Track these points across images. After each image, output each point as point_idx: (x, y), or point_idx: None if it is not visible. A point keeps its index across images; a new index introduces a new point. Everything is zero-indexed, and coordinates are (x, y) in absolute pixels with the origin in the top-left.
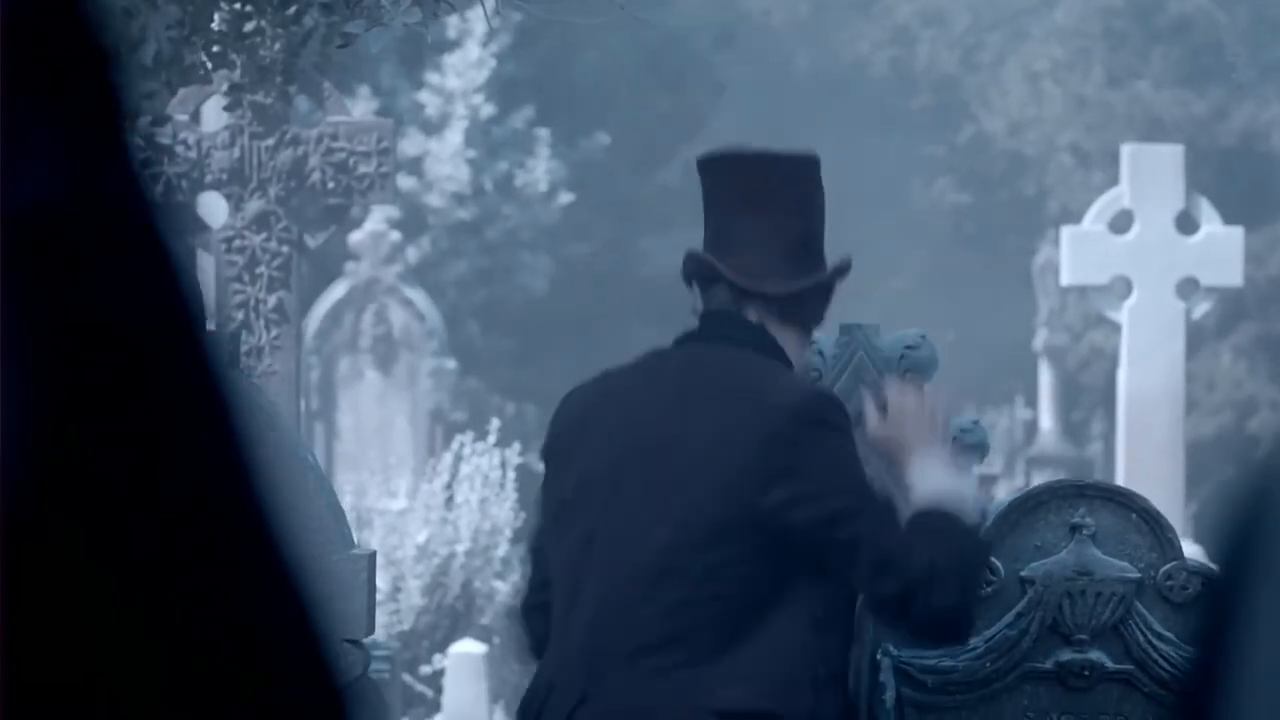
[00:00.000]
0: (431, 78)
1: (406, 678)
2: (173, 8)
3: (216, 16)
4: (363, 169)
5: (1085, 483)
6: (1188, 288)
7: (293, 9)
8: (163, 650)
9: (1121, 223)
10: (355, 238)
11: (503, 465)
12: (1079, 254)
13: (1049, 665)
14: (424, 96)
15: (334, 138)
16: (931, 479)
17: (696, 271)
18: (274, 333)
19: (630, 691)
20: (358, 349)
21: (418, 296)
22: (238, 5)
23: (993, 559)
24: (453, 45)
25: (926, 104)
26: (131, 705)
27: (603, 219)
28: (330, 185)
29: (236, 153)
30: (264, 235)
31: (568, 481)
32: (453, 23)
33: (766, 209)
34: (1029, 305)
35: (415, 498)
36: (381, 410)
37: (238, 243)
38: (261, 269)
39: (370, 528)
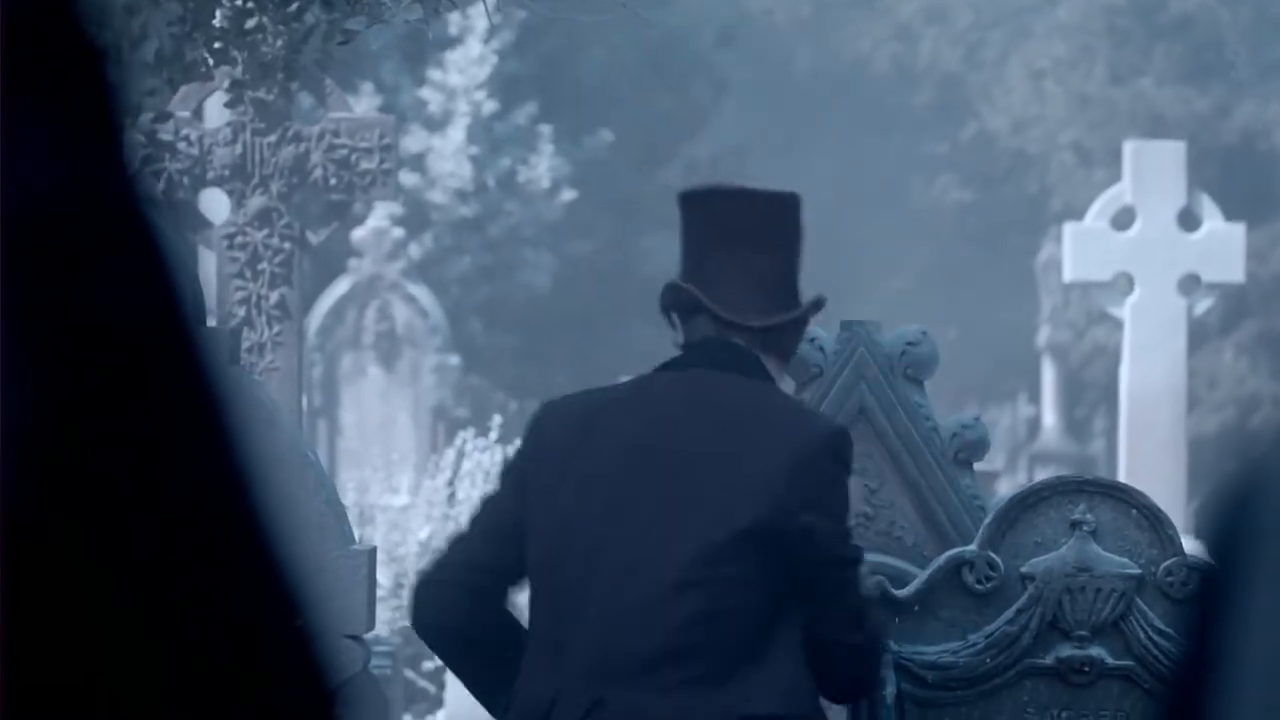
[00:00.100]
0: (434, 74)
1: (409, 673)
2: (174, 4)
3: (218, 13)
4: (365, 165)
5: (1085, 479)
6: (1190, 284)
7: (294, 6)
8: (160, 649)
9: (1123, 219)
10: (358, 234)
11: (505, 462)
12: (1081, 250)
13: (1049, 661)
14: (426, 93)
15: (336, 134)
16: None
17: (676, 302)
18: (276, 329)
19: (648, 701)
20: (360, 345)
21: (421, 293)
22: (239, 2)
23: (993, 555)
24: (455, 42)
25: (929, 102)
26: (130, 704)
27: (605, 216)
28: (332, 182)
29: (238, 149)
30: (266, 231)
31: (565, 491)
32: (454, 19)
33: (747, 245)
34: (1032, 302)
35: (418, 494)
36: (384, 407)
37: (240, 239)
38: (263, 265)
39: (373, 524)
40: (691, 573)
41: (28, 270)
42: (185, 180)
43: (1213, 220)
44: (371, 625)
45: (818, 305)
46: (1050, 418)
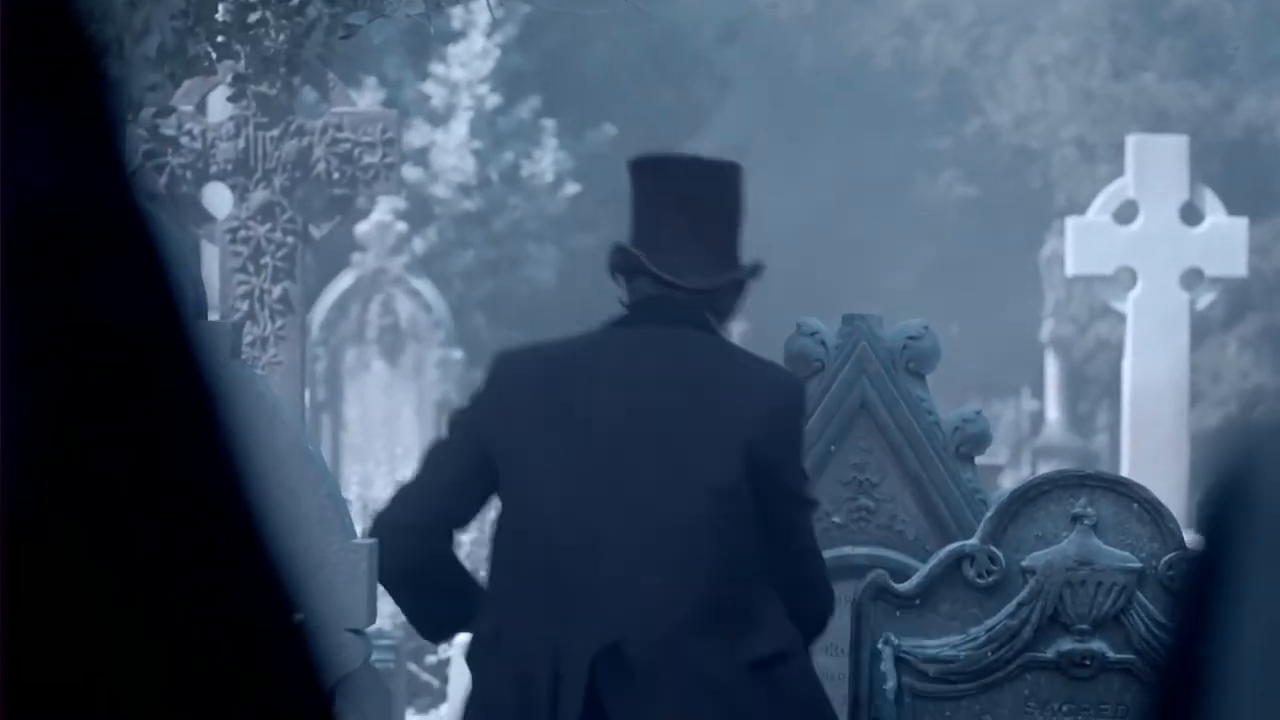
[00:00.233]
0: (437, 68)
1: (412, 667)
2: None
3: (220, 8)
4: (367, 159)
5: (1086, 473)
6: (1192, 279)
7: (296, 0)
8: (160, 648)
9: (1126, 213)
10: (362, 228)
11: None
12: (1084, 245)
13: (1050, 655)
14: (429, 87)
15: (339, 128)
16: None
17: (622, 264)
18: (279, 323)
19: (659, 646)
20: (364, 340)
21: (424, 287)
22: None
23: (994, 549)
24: (458, 36)
25: (932, 97)
26: (130, 704)
27: (608, 211)
28: (335, 176)
29: (241, 143)
30: (269, 226)
31: (544, 443)
32: (457, 13)
33: (689, 211)
34: (1035, 297)
35: None
36: (388, 401)
37: (243, 233)
38: (266, 259)
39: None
40: (690, 519)
41: (28, 270)
42: (188, 174)
43: (1215, 215)
44: (373, 619)
45: (756, 269)
46: (1053, 412)
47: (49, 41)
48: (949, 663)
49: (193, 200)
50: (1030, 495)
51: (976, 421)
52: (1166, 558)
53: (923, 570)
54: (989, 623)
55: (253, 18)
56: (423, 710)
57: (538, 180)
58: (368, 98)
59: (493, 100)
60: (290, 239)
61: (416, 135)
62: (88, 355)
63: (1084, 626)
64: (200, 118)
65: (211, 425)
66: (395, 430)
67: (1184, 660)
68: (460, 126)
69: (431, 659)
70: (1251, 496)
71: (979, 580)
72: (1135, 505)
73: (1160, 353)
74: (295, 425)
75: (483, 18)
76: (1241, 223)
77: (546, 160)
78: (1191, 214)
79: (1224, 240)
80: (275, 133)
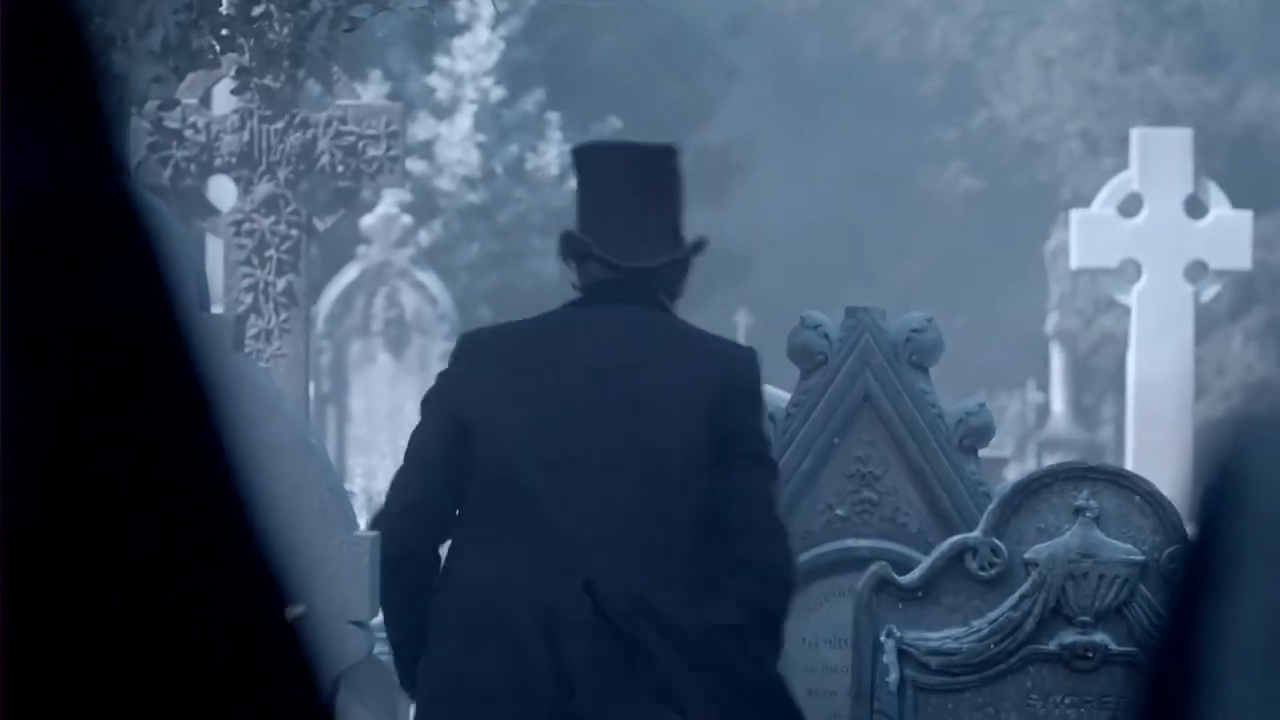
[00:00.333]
0: (442, 61)
1: None
2: None
3: (224, 1)
4: (372, 152)
5: (1089, 465)
6: (1197, 271)
7: None
8: (160, 647)
9: (1131, 206)
10: (367, 221)
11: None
12: (1088, 237)
13: (1053, 647)
14: (434, 80)
15: (343, 121)
16: None
17: (571, 250)
18: (283, 316)
19: (638, 599)
20: (369, 332)
21: (429, 280)
22: None
23: (996, 541)
24: (463, 28)
25: (938, 90)
26: (130, 703)
27: None
28: (339, 169)
29: (245, 136)
30: (273, 218)
31: (518, 410)
32: (462, 6)
33: (632, 195)
34: (1040, 290)
35: None
36: (393, 394)
37: (247, 226)
38: (270, 252)
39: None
40: (656, 477)
41: (28, 270)
42: (192, 167)
43: (1220, 208)
44: (376, 611)
45: (699, 246)
46: (1059, 405)
47: (49, 41)
48: (951, 655)
49: (197, 193)
50: (1033, 488)
51: (979, 414)
52: (1169, 550)
53: (925, 563)
54: (991, 615)
55: (257, 11)
56: None
57: (542, 173)
58: (372, 91)
59: (497, 93)
60: (294, 232)
61: (421, 128)
62: (88, 355)
63: (1086, 619)
64: (204, 111)
65: (211, 425)
66: (400, 423)
67: (1178, 653)
68: (465, 119)
69: None
70: (1245, 488)
71: (981, 573)
72: (1137, 498)
73: (1165, 345)
74: (297, 419)
75: (487, 10)
76: (1246, 216)
77: (551, 153)
78: (1196, 207)
79: (1228, 233)
80: (279, 126)
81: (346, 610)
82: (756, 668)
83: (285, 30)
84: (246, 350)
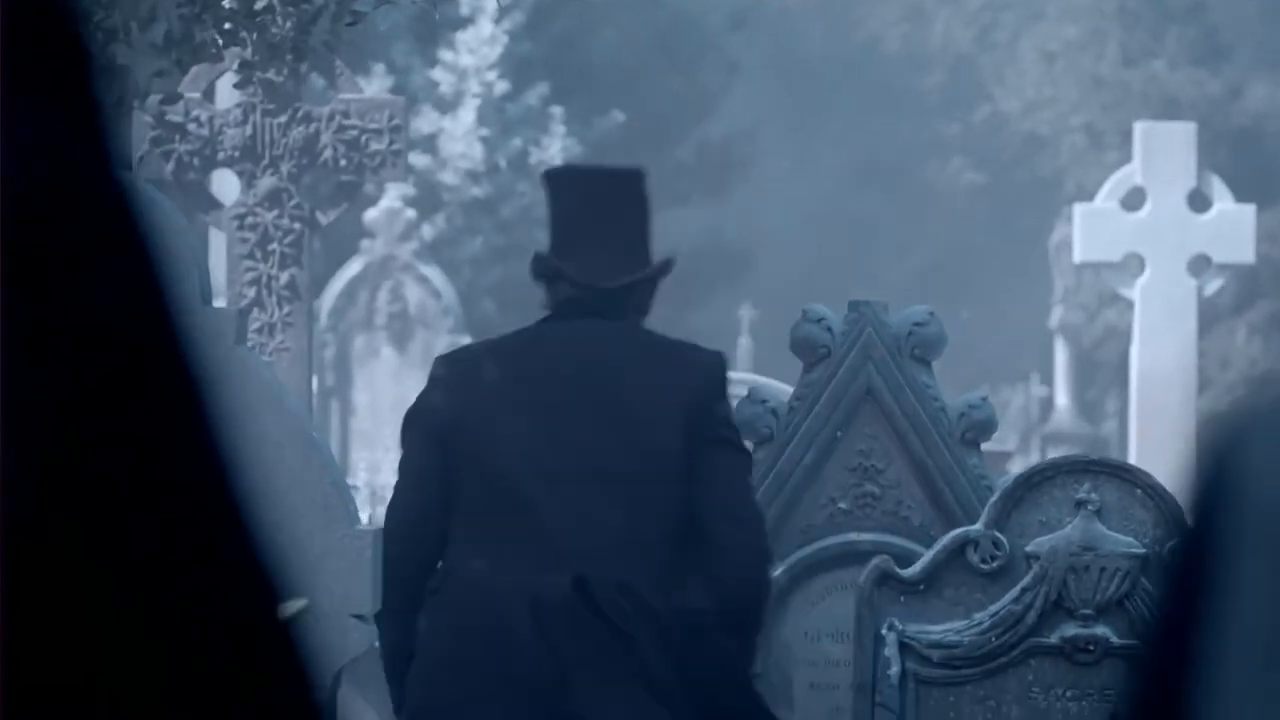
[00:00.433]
0: (445, 55)
1: None
2: None
3: None
4: (374, 146)
5: (1090, 458)
6: (1200, 265)
7: None
8: (160, 647)
9: (1134, 200)
10: (370, 215)
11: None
12: (1091, 231)
13: (1054, 640)
14: (437, 74)
15: (346, 115)
16: None
17: (543, 271)
18: (286, 310)
19: (624, 588)
20: (373, 326)
21: (433, 274)
22: None
23: (998, 534)
24: (466, 22)
25: (941, 84)
26: (130, 703)
27: None
28: (342, 162)
29: (249, 130)
30: (276, 212)
31: (505, 422)
32: (465, 0)
33: (600, 216)
34: (1044, 284)
35: None
36: (397, 387)
37: (250, 220)
38: (273, 246)
39: (384, 504)
40: (637, 475)
41: (28, 270)
42: (195, 161)
43: (1223, 201)
44: (378, 605)
45: (667, 266)
46: (1063, 398)
47: (48, 39)
48: (953, 648)
49: (200, 187)
50: (1034, 481)
51: (982, 408)
52: (1170, 543)
53: (927, 556)
54: (993, 608)
55: (260, 4)
56: None
57: (546, 167)
58: (375, 84)
59: (501, 87)
60: (297, 225)
61: (424, 122)
62: (88, 354)
63: (1088, 612)
64: (207, 104)
65: (211, 424)
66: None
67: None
68: (468, 113)
69: None
70: (1239, 480)
71: (983, 566)
72: (1139, 491)
73: (1168, 339)
74: (300, 412)
75: (490, 4)
76: (1249, 209)
77: (555, 147)
78: (1199, 201)
79: (1232, 227)
80: (282, 119)
81: (348, 604)
82: (734, 651)
83: (288, 24)
84: (249, 344)
